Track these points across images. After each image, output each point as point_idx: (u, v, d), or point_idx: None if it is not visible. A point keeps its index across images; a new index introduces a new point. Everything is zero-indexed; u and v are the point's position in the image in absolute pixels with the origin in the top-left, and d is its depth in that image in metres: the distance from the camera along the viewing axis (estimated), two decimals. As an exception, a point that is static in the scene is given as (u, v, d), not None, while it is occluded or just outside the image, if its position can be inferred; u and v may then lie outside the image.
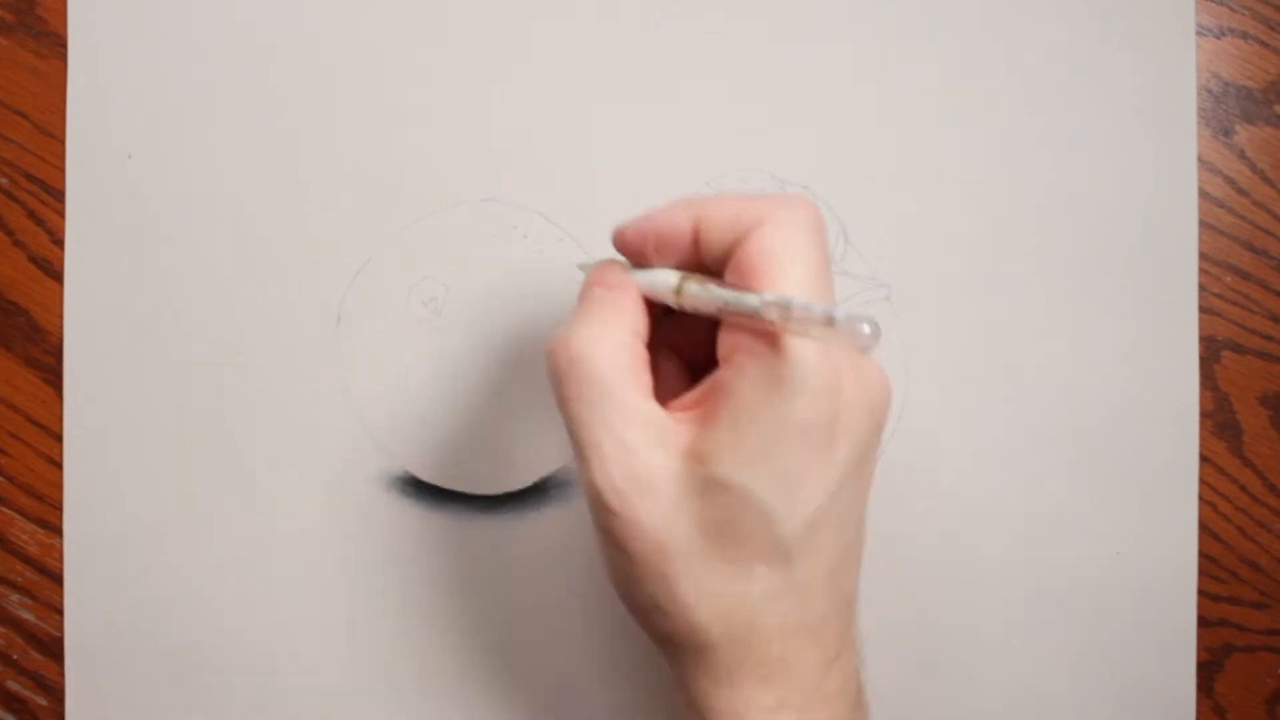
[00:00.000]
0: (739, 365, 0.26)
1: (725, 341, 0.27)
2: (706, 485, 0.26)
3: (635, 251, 0.29)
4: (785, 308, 0.25)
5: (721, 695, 0.27)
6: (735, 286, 0.27)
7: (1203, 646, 0.36)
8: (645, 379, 0.28)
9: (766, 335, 0.26)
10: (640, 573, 0.27)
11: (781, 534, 0.26)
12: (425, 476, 0.36)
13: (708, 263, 0.28)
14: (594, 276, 0.30)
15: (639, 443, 0.27)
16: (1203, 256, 0.37)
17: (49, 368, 0.36)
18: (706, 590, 0.27)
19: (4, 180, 0.36)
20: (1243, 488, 0.37)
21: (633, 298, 0.29)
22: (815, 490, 0.26)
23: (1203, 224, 0.37)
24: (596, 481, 0.27)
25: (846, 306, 0.36)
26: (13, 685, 0.36)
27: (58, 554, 0.36)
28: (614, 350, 0.27)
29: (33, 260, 0.36)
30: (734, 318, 0.27)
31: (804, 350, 0.26)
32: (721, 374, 0.27)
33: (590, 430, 0.27)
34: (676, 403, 0.28)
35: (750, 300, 0.26)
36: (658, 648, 0.29)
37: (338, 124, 0.36)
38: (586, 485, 0.27)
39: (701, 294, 0.27)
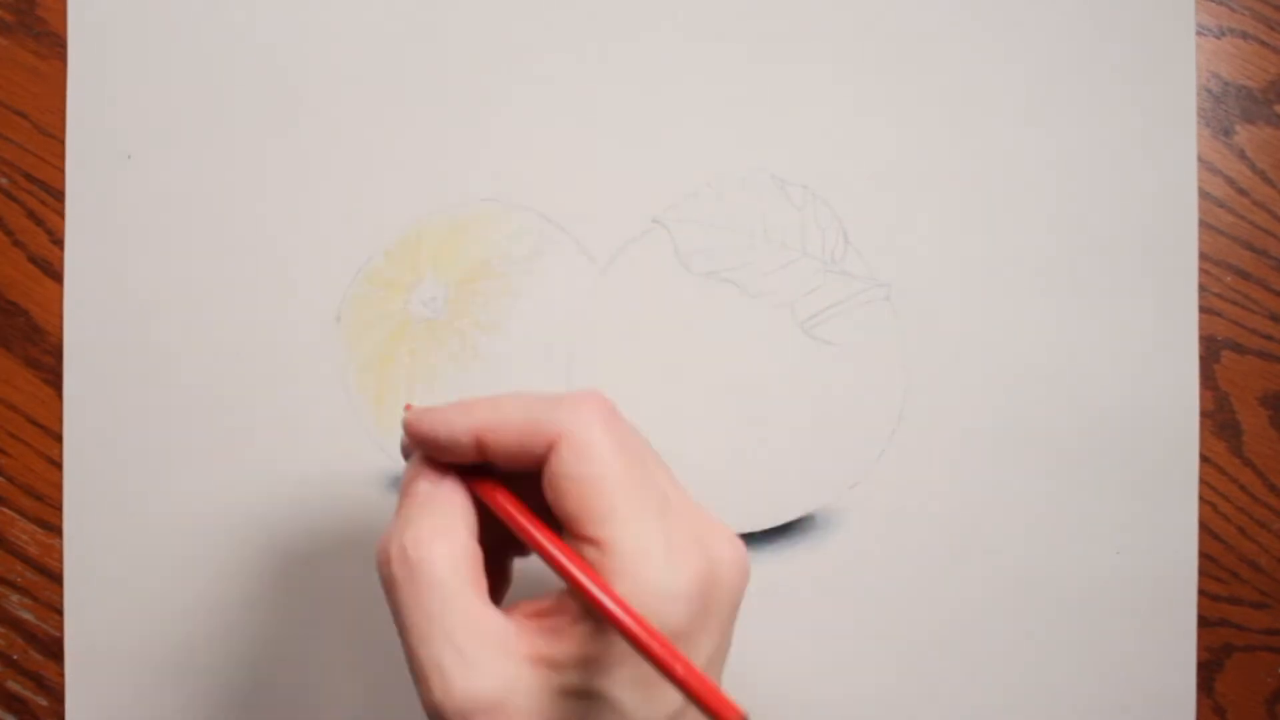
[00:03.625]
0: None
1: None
2: (562, 694, 0.25)
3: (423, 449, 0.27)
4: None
5: None
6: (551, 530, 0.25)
7: (1203, 646, 0.36)
8: (483, 583, 0.26)
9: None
10: None
11: None
12: (425, 476, 0.36)
13: (501, 467, 0.27)
14: (414, 471, 0.27)
15: (482, 656, 0.25)
16: (1203, 256, 0.37)
17: (49, 368, 0.36)
18: None
19: (4, 180, 0.36)
20: (1243, 488, 0.37)
21: (461, 492, 0.27)
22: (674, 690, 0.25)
23: (1203, 224, 0.37)
24: (438, 700, 0.25)
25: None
26: (13, 685, 0.36)
27: (58, 554, 0.36)
28: (452, 552, 0.25)
29: (32, 260, 0.36)
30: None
31: (657, 568, 0.24)
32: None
33: (430, 643, 0.25)
34: (522, 609, 0.26)
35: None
36: None
37: (338, 124, 0.36)
38: (426, 705, 0.25)
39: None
